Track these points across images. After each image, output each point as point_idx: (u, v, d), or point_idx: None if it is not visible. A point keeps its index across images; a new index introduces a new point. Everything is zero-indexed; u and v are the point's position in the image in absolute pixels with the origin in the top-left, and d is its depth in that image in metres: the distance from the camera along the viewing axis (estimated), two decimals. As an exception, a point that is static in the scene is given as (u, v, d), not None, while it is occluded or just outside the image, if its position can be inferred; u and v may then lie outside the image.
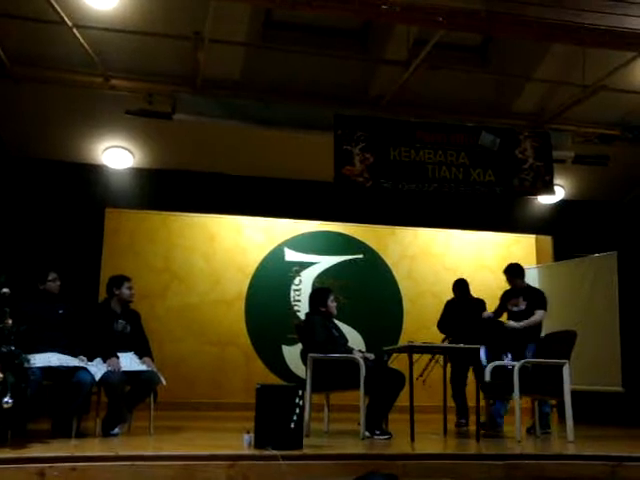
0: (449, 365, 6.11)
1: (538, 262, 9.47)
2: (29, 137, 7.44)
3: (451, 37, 6.75)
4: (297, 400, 4.13)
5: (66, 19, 5.77)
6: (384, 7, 4.48)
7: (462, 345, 5.58)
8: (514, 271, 6.56)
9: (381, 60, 6.82)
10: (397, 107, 7.11)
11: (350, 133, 6.23)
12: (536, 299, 6.36)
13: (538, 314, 6.23)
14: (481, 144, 6.49)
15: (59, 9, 5.65)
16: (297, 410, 4.13)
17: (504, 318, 6.61)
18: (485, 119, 7.19)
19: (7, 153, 7.50)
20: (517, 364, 5.19)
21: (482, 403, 5.64)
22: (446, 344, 6.34)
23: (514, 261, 9.42)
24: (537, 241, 9.74)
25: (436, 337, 7.07)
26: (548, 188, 6.56)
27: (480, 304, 6.87)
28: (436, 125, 6.51)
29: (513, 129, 6.70)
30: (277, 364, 8.72)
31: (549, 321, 7.96)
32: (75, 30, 5.97)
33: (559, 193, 8.69)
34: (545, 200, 8.72)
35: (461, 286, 7.11)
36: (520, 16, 4.74)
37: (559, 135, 7.26)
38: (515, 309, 6.40)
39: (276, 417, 4.09)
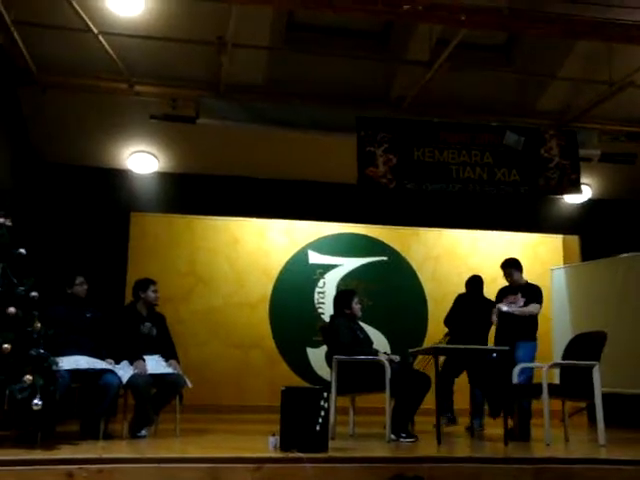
0: (442, 360, 5.94)
1: (565, 263, 9.34)
2: (56, 143, 7.55)
3: (475, 37, 6.72)
4: (322, 402, 4.11)
5: (92, 26, 5.85)
6: (406, 7, 4.46)
7: (488, 346, 5.51)
8: (512, 265, 6.16)
9: (404, 61, 6.79)
10: (420, 108, 7.08)
11: (373, 134, 6.22)
12: (533, 294, 5.99)
13: (533, 306, 5.88)
14: (505, 144, 6.44)
15: (85, 16, 5.72)
16: (322, 412, 4.10)
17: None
18: (510, 119, 7.14)
19: (35, 158, 7.62)
20: (546, 365, 5.11)
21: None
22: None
23: (540, 262, 9.46)
24: (564, 241, 9.61)
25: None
26: (575, 187, 6.48)
27: (490, 305, 6.54)
28: (459, 125, 6.47)
29: (538, 128, 6.64)
30: (302, 366, 8.72)
31: (578, 323, 7.87)
32: (101, 37, 6.04)
33: (586, 192, 8.57)
34: (572, 200, 8.61)
35: (474, 283, 6.83)
36: (543, 13, 4.69)
37: (585, 133, 7.18)
38: (512, 306, 6.01)
39: (301, 419, 4.07)
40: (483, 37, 6.89)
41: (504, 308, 5.91)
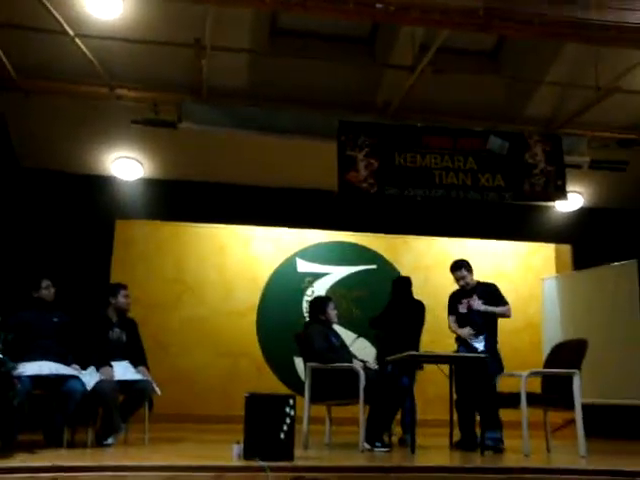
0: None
1: (558, 271, 9.21)
2: (40, 148, 7.49)
3: (461, 42, 6.66)
4: (288, 410, 4.00)
5: (67, 28, 5.80)
6: (379, 6, 4.38)
7: (468, 354, 5.37)
8: (463, 266, 5.79)
9: (387, 65, 6.71)
10: (405, 113, 7.00)
11: (354, 139, 6.13)
12: (493, 295, 5.64)
13: (506, 307, 5.57)
14: (489, 148, 6.33)
15: (60, 18, 5.69)
16: (288, 420, 3.99)
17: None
18: (497, 124, 7.04)
19: (18, 164, 7.57)
20: (525, 373, 4.98)
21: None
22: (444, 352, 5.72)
23: (533, 271, 9.32)
24: (556, 250, 9.47)
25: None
26: (560, 193, 6.35)
27: (420, 306, 6.45)
28: (442, 129, 6.37)
29: (522, 133, 6.52)
30: (289, 375, 8.59)
31: (569, 332, 7.72)
32: (77, 40, 6.00)
33: (578, 201, 8.47)
34: (564, 208, 8.50)
35: (402, 284, 6.57)
36: (520, 13, 4.59)
37: (574, 140, 7.06)
38: (472, 309, 5.65)
39: (266, 427, 3.96)
40: (470, 42, 6.82)
41: (481, 308, 5.55)
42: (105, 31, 6.09)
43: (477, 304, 5.60)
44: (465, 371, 5.31)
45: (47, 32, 5.97)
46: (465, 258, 6.08)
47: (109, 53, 6.36)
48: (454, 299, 5.87)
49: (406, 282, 6.58)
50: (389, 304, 6.56)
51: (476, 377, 5.15)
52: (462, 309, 5.71)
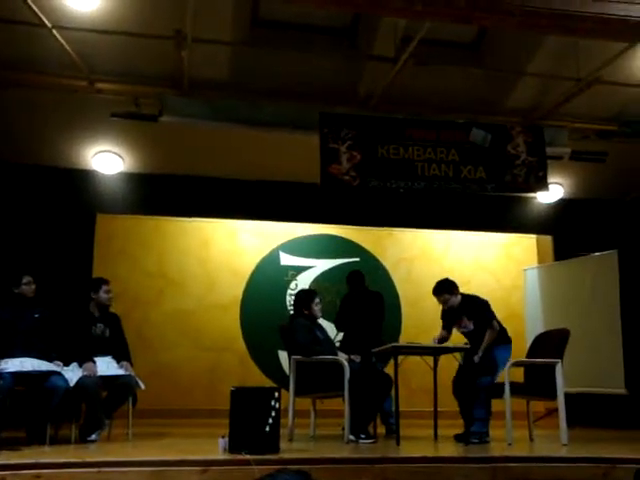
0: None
1: (539, 262, 9.28)
2: (18, 142, 7.38)
3: (443, 33, 6.65)
4: (273, 403, 4.00)
5: (45, 20, 5.70)
6: (360, -4, 4.37)
7: (451, 347, 5.40)
8: (444, 289, 5.70)
9: (369, 57, 6.70)
10: (388, 105, 6.97)
11: (336, 131, 6.12)
12: (479, 312, 5.56)
13: (490, 332, 5.38)
14: (472, 140, 6.36)
15: (37, 10, 5.58)
16: (273, 413, 3.99)
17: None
18: (479, 116, 7.05)
19: (-4, 159, 7.46)
20: (508, 364, 5.02)
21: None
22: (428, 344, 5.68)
23: (514, 262, 9.38)
24: (538, 241, 9.54)
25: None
26: (542, 184, 6.40)
27: (377, 297, 6.42)
28: (425, 122, 6.38)
29: (505, 125, 6.55)
30: (273, 369, 8.57)
31: (551, 322, 7.79)
32: (55, 32, 5.89)
33: (558, 192, 8.53)
34: (545, 199, 8.55)
35: (355, 278, 6.59)
36: (501, 4, 4.60)
37: (555, 131, 7.10)
38: (465, 330, 5.64)
39: (251, 421, 3.96)
40: (451, 34, 6.82)
41: (476, 358, 5.32)
42: (84, 23, 6.00)
43: (468, 328, 5.55)
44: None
45: (24, 24, 5.86)
46: (446, 276, 6.00)
47: (88, 45, 6.26)
48: (447, 319, 5.81)
49: (359, 276, 6.58)
50: (344, 299, 6.57)
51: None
52: (460, 331, 5.68)
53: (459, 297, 5.69)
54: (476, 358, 5.27)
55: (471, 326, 5.53)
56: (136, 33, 6.17)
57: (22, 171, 7.62)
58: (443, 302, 5.70)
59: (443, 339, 5.70)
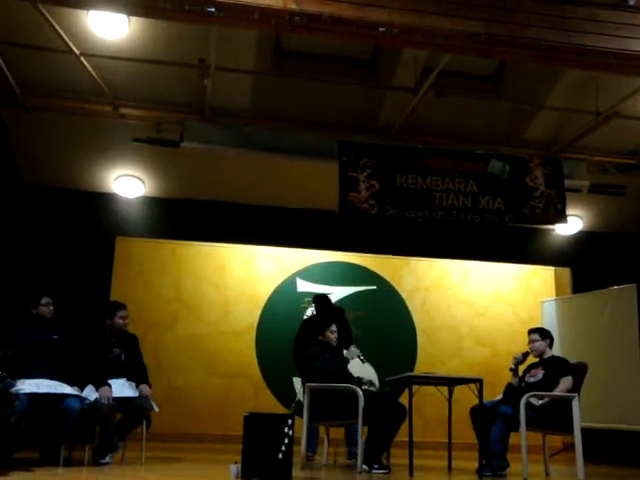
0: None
1: (557, 294, 9.21)
2: (42, 165, 7.54)
3: (463, 66, 6.72)
4: (286, 430, 3.98)
5: (73, 47, 5.85)
6: (381, 30, 4.44)
7: (466, 377, 5.35)
8: (540, 330, 5.67)
9: (389, 87, 6.77)
10: (407, 135, 7.06)
11: (356, 160, 6.17)
12: (558, 367, 5.40)
13: (565, 385, 5.19)
14: (490, 172, 6.37)
15: (66, 38, 5.74)
16: (286, 440, 3.97)
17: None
18: (498, 148, 7.09)
19: (20, 181, 7.60)
20: (524, 397, 4.96)
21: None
22: (443, 374, 5.65)
23: (532, 293, 9.31)
24: (556, 273, 9.48)
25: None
26: (560, 216, 6.38)
27: (339, 311, 6.47)
28: (443, 152, 6.42)
29: (523, 157, 6.57)
30: (287, 396, 8.53)
31: (568, 355, 7.66)
32: (83, 59, 6.05)
33: (577, 224, 8.51)
34: (563, 231, 8.54)
35: (321, 301, 6.66)
36: (521, 38, 4.65)
37: (574, 164, 7.11)
38: (532, 380, 5.45)
39: (264, 447, 3.94)
40: (471, 66, 6.89)
41: (533, 401, 5.09)
42: (110, 50, 6.15)
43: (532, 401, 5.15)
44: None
45: (52, 50, 6.02)
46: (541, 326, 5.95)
47: (113, 72, 6.42)
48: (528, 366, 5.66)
49: (325, 298, 6.71)
50: (305, 324, 6.62)
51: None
52: (528, 378, 5.50)
53: (547, 349, 5.57)
54: (537, 401, 5.12)
55: (540, 375, 5.41)
56: (160, 61, 6.32)
57: (44, 193, 7.77)
58: (530, 340, 5.60)
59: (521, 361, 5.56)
